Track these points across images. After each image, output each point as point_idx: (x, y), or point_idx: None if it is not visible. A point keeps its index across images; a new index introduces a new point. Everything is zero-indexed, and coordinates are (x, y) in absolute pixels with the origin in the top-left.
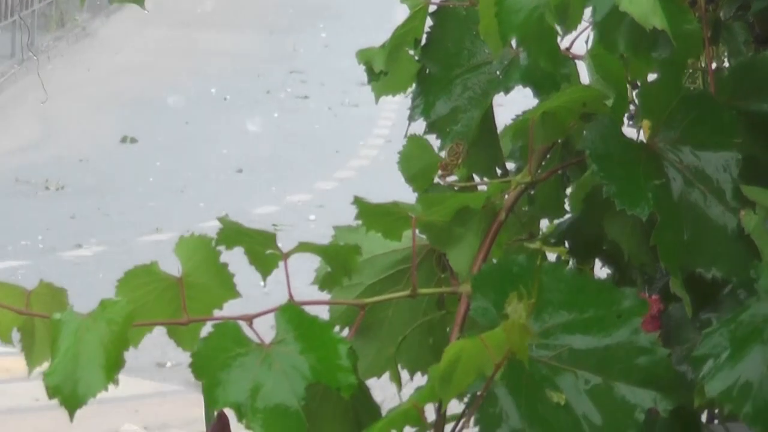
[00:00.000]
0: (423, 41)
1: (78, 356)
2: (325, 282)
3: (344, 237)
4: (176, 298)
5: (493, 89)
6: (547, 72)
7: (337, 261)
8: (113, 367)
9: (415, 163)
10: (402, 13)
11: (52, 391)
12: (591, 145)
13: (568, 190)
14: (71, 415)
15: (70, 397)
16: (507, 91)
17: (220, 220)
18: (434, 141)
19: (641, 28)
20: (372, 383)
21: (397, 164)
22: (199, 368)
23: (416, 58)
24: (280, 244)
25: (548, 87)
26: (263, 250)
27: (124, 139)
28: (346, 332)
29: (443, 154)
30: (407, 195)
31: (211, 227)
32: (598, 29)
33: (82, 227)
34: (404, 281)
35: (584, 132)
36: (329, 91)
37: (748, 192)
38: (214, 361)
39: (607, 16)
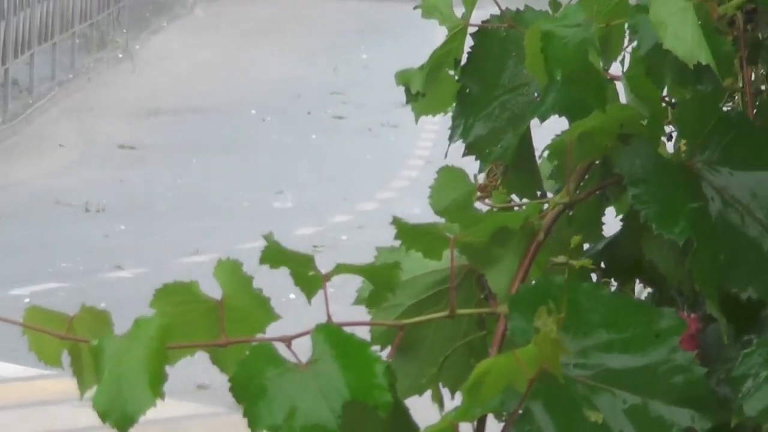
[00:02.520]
0: (463, 61)
1: (121, 378)
2: (370, 301)
3: (386, 258)
4: (218, 322)
5: (530, 111)
6: (582, 99)
7: (379, 279)
8: (157, 382)
9: (447, 195)
10: (440, 33)
11: (103, 417)
12: (628, 168)
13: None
14: None
15: (120, 419)
16: (543, 119)
17: (265, 237)
18: (473, 163)
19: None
20: (413, 404)
21: (428, 199)
22: (238, 391)
23: (456, 78)
24: (320, 266)
25: (583, 116)
26: (306, 271)
27: (134, 154)
28: (387, 352)
29: (482, 176)
30: None
31: (251, 249)
32: (645, 62)
33: (122, 249)
34: (444, 301)
35: (622, 155)
36: (369, 112)
37: None
38: (252, 383)
39: (653, 49)
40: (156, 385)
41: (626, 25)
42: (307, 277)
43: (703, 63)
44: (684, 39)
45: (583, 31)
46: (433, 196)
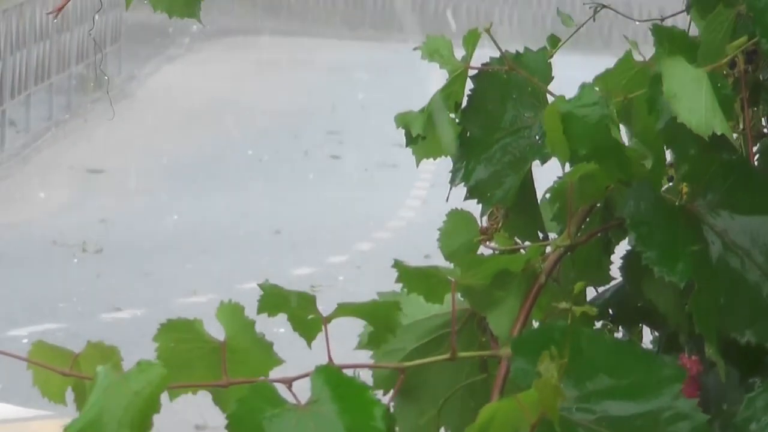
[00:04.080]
0: (464, 104)
1: (102, 413)
2: (371, 341)
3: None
4: (220, 362)
5: (532, 154)
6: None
7: (379, 319)
8: (138, 428)
9: (456, 238)
10: (437, 72)
11: None
12: (629, 211)
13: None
14: None
15: None
16: (543, 161)
17: (261, 286)
18: (475, 206)
19: None
20: None
21: (437, 241)
22: (235, 430)
23: (457, 121)
24: (320, 307)
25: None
26: (305, 314)
27: (150, 199)
28: (389, 396)
29: (484, 219)
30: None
31: (249, 289)
32: (664, 135)
33: (120, 290)
34: (446, 345)
35: (624, 197)
36: (366, 152)
37: None
38: (250, 422)
39: (671, 121)
40: (136, 430)
41: None
42: (306, 320)
43: (718, 133)
44: (698, 110)
45: (600, 109)
46: (442, 239)
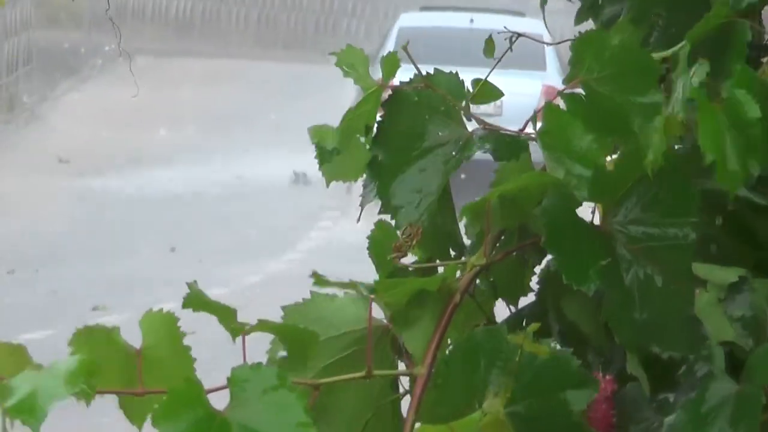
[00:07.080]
0: (374, 132)
1: (37, 387)
2: (283, 367)
3: (294, 316)
4: (134, 370)
5: (449, 169)
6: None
7: (296, 344)
8: (74, 382)
9: (385, 246)
10: (351, 93)
11: (12, 412)
12: (545, 215)
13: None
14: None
15: (29, 410)
16: (467, 159)
17: (189, 284)
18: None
19: None
20: None
21: (367, 250)
22: (158, 422)
23: (367, 146)
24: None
25: (509, 154)
26: (230, 319)
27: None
28: None
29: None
30: (358, 275)
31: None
32: None
33: (31, 311)
34: (358, 362)
35: (543, 202)
36: (280, 172)
37: (699, 270)
38: (174, 419)
39: None
40: (74, 384)
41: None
42: (233, 324)
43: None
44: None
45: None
46: (371, 247)
